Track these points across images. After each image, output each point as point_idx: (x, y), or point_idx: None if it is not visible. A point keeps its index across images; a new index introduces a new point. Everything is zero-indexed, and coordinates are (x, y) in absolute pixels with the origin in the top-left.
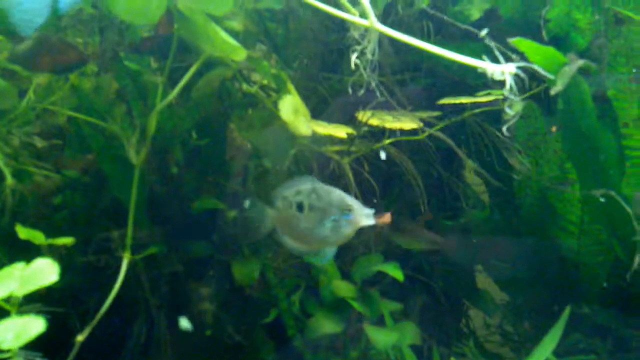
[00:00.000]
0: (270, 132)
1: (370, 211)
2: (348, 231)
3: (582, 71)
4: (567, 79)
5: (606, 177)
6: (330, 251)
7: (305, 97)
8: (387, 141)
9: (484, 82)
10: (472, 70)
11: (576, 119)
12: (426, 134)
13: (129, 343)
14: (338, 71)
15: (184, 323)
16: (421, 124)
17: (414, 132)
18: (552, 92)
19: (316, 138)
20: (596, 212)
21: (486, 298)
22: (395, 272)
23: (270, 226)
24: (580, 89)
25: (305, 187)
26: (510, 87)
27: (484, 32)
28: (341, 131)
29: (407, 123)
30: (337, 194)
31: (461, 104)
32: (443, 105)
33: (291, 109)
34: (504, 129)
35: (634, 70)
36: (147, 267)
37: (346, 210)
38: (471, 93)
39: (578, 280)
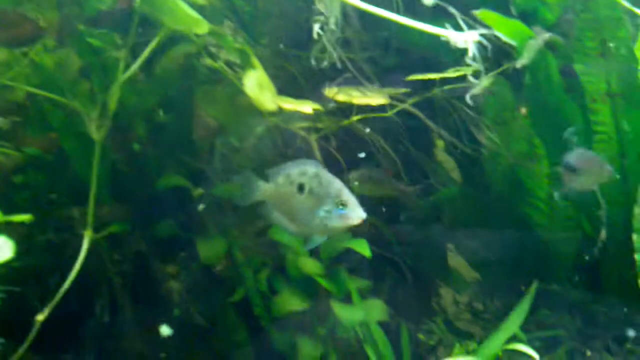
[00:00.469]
0: (235, 108)
1: (363, 213)
2: (337, 225)
3: (549, 45)
4: (533, 52)
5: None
6: (318, 240)
7: (275, 75)
8: (356, 117)
9: (455, 59)
10: (443, 46)
11: (543, 94)
12: (394, 110)
13: (91, 323)
14: (308, 49)
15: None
16: (389, 100)
17: (383, 109)
18: (518, 64)
19: (285, 115)
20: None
21: (456, 276)
22: (362, 249)
23: (259, 198)
24: (547, 62)
25: (311, 169)
26: (474, 56)
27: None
28: (307, 107)
29: (375, 99)
30: (337, 185)
31: (430, 80)
32: (412, 82)
33: (256, 84)
34: (468, 98)
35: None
36: (110, 246)
37: (340, 204)
38: (442, 70)
39: (548, 257)
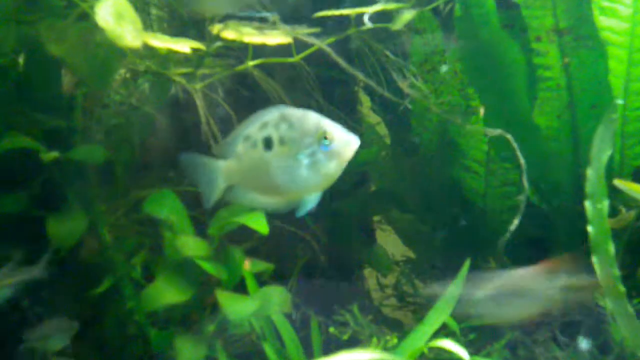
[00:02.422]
0: (89, 46)
1: (356, 137)
2: (330, 166)
3: None
4: None
5: (514, 102)
6: (313, 198)
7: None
8: (252, 62)
9: None
10: None
11: (476, 28)
12: (302, 55)
13: None
14: None
15: None
16: (291, 40)
17: (289, 53)
18: None
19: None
20: (504, 147)
21: (381, 255)
22: (258, 224)
23: (224, 184)
24: None
25: (272, 116)
26: None
27: None
28: (184, 45)
29: (273, 38)
30: (312, 118)
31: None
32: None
33: (113, 13)
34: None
35: None
36: None
37: (323, 139)
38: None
39: (485, 229)
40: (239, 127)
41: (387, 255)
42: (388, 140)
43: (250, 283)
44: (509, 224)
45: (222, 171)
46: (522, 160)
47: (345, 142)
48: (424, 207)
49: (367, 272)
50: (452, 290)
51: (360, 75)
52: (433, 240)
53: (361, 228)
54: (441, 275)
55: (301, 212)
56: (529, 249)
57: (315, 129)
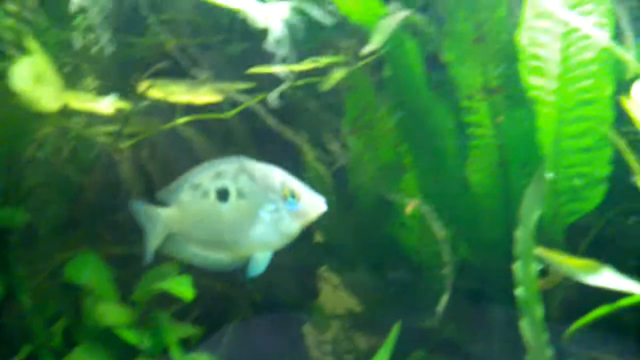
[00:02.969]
0: (8, 106)
1: (321, 198)
2: (293, 226)
3: (411, 28)
4: (385, 35)
5: (444, 160)
6: (265, 256)
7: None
8: (182, 120)
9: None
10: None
11: (404, 89)
12: (235, 111)
13: None
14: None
15: None
16: (221, 98)
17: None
18: (365, 50)
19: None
20: (436, 204)
21: (318, 311)
22: (183, 290)
23: (162, 233)
24: (406, 50)
25: (230, 167)
26: (281, 38)
27: None
28: (107, 106)
29: (202, 95)
30: (277, 174)
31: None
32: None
33: (30, 75)
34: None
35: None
36: None
37: (290, 197)
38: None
39: (423, 285)
40: (186, 174)
41: (324, 310)
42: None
43: (173, 349)
44: (444, 281)
45: (161, 218)
46: (441, 233)
47: (313, 204)
48: (366, 261)
49: (308, 328)
50: (383, 350)
51: (288, 132)
52: (378, 294)
53: (302, 282)
54: (383, 331)
55: (253, 272)
56: (467, 304)
57: (280, 186)
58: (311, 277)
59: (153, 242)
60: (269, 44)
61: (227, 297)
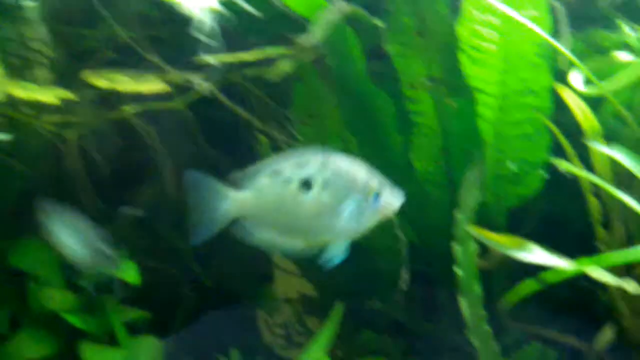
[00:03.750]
0: None
1: (400, 192)
2: (371, 221)
3: (352, 20)
4: (326, 27)
5: (387, 148)
6: (340, 246)
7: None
8: (131, 109)
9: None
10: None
11: (346, 79)
12: (184, 101)
13: None
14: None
15: None
16: (168, 88)
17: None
18: (306, 42)
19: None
20: None
21: (267, 294)
22: (129, 275)
23: (232, 216)
24: (347, 41)
25: (315, 158)
26: (213, 30)
27: None
28: (51, 96)
29: (149, 85)
30: (361, 168)
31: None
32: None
33: None
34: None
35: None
36: None
37: (373, 194)
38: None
39: (373, 269)
40: (265, 161)
41: (277, 295)
42: None
43: (119, 333)
44: (392, 265)
45: (233, 201)
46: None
47: (392, 200)
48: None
49: (261, 312)
50: (325, 330)
51: (240, 111)
52: (332, 279)
53: (255, 268)
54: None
55: (328, 262)
56: (414, 286)
57: (365, 182)
58: (264, 263)
59: (216, 224)
60: (194, 31)
61: (176, 282)
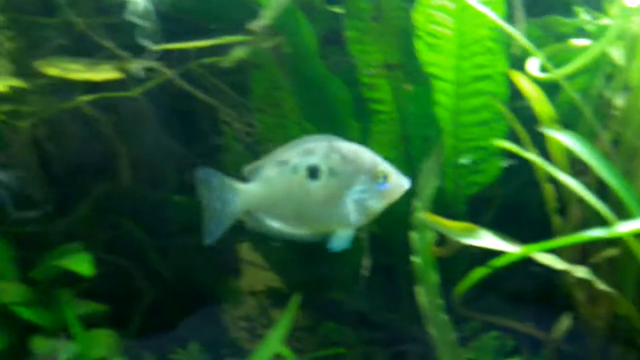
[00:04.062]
0: None
1: (405, 177)
2: (378, 205)
3: (306, 5)
4: (275, 11)
5: (345, 136)
6: (348, 233)
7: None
8: (84, 98)
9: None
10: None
11: (300, 64)
12: (143, 88)
13: None
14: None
15: None
16: (121, 75)
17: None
18: (254, 26)
19: None
20: None
21: (230, 287)
22: (83, 267)
23: (241, 210)
24: (300, 25)
25: (321, 145)
26: (147, 11)
27: None
28: (1, 84)
29: (102, 73)
30: (367, 154)
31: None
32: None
33: None
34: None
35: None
36: None
37: (381, 178)
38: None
39: (335, 260)
40: (273, 152)
41: (239, 287)
42: None
43: (73, 326)
44: (352, 254)
45: (243, 194)
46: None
47: (399, 183)
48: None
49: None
50: (282, 321)
51: (198, 95)
52: (298, 271)
53: (220, 260)
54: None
55: (336, 247)
56: (375, 276)
57: (372, 166)
58: (230, 256)
59: (227, 219)
60: (129, 15)
61: (136, 276)
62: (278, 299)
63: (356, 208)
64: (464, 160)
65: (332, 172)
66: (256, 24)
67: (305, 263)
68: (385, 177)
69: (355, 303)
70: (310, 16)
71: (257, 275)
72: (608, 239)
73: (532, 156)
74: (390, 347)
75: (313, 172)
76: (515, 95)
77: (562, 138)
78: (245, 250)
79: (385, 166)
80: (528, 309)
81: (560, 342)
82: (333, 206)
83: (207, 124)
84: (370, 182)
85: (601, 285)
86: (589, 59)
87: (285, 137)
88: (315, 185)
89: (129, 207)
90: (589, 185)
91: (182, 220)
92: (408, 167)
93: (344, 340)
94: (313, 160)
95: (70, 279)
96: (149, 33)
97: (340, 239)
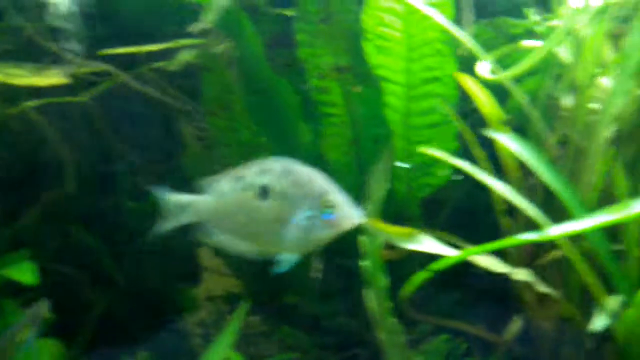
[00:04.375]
0: None
1: (361, 212)
2: (323, 234)
3: (250, 7)
4: (217, 12)
5: (294, 138)
6: (290, 259)
7: None
8: (31, 103)
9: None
10: (168, 17)
11: (247, 68)
12: (89, 94)
13: None
14: None
15: None
16: (66, 80)
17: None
18: (194, 28)
19: None
20: None
21: (185, 294)
22: (25, 276)
23: (186, 220)
24: (243, 27)
25: (276, 166)
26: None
27: None
28: None
29: (46, 79)
30: (319, 180)
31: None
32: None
33: None
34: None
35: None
36: None
37: (328, 207)
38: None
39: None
40: (232, 169)
41: (196, 293)
42: None
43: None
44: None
45: (191, 206)
46: None
47: (347, 215)
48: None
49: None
50: (230, 327)
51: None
52: (257, 276)
53: (177, 265)
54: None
55: (277, 270)
56: (332, 280)
57: (320, 193)
58: (188, 261)
59: (167, 225)
60: (53, 19)
61: (86, 283)
62: (235, 304)
63: (300, 233)
64: (406, 164)
65: (281, 194)
66: (197, 26)
67: (264, 267)
68: (332, 207)
69: (310, 307)
70: (254, 18)
71: (217, 280)
72: (551, 241)
73: (459, 161)
74: (341, 352)
75: (264, 192)
76: (468, 98)
77: (506, 141)
78: (206, 256)
79: (335, 196)
80: (479, 311)
81: (512, 344)
82: (279, 228)
83: (160, 128)
84: (316, 209)
85: (542, 287)
86: (537, 60)
87: (236, 140)
88: (265, 205)
89: (80, 214)
90: (536, 187)
91: (136, 226)
92: (359, 169)
93: (299, 345)
94: (266, 179)
95: (15, 288)
96: (71, 36)
97: (284, 262)
